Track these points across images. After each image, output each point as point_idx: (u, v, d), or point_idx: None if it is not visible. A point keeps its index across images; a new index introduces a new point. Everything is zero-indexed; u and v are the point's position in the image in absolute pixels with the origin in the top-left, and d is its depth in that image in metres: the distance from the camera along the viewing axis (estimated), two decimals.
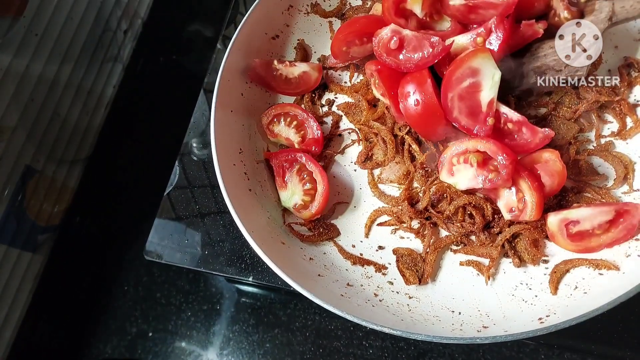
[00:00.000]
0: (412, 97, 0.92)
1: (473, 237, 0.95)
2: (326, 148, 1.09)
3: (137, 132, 1.55)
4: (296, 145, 1.08)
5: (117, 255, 1.39)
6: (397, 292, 0.93)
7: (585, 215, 0.86)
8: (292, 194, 1.03)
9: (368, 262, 0.97)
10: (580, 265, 0.87)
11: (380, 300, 0.91)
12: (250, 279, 1.06)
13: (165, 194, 1.19)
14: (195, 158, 1.22)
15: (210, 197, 1.17)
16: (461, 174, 0.91)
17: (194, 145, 1.23)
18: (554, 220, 0.88)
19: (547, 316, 0.81)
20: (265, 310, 1.23)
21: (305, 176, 1.02)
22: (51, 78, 1.32)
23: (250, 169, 1.06)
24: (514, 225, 0.91)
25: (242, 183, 1.02)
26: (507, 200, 0.91)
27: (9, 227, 1.23)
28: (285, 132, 1.09)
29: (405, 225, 0.98)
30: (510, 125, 0.91)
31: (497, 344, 1.06)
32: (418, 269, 0.94)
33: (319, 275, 0.94)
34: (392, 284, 0.94)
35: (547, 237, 0.91)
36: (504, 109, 0.91)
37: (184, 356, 1.24)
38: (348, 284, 0.94)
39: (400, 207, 0.99)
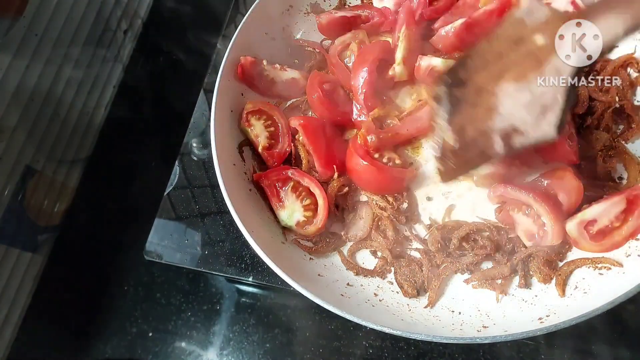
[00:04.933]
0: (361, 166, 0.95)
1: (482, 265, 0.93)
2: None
3: (137, 132, 1.54)
4: (259, 149, 1.05)
5: (117, 255, 1.39)
6: (397, 292, 0.93)
7: (599, 211, 0.84)
8: (292, 211, 1.00)
9: (372, 273, 0.96)
10: (583, 265, 0.86)
11: (380, 300, 0.91)
12: (250, 279, 1.06)
13: (165, 194, 1.19)
14: (195, 158, 1.22)
15: (210, 197, 1.17)
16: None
17: (194, 145, 1.23)
18: (572, 226, 0.86)
19: (547, 316, 0.81)
20: (265, 310, 1.23)
21: (302, 192, 1.00)
22: (51, 78, 1.32)
23: (251, 169, 1.06)
24: (530, 247, 0.89)
25: (242, 183, 1.02)
26: (526, 227, 0.89)
27: (9, 227, 1.23)
28: (258, 130, 1.06)
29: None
30: None
31: (497, 344, 1.06)
32: (417, 280, 0.92)
33: (319, 275, 0.94)
34: (392, 283, 0.94)
35: (560, 260, 0.89)
36: None
37: (184, 356, 1.24)
38: (348, 284, 0.94)
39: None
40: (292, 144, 1.05)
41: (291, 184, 1.01)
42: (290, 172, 1.01)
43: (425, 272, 0.92)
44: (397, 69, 1.03)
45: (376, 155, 0.98)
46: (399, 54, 1.03)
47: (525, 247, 0.90)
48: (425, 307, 0.89)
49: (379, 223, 0.98)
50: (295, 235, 1.00)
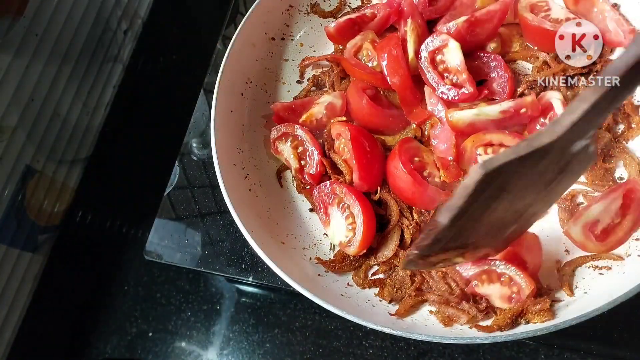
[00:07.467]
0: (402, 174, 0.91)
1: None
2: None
3: (137, 132, 1.54)
4: (293, 172, 1.04)
5: (117, 255, 1.39)
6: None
7: (600, 210, 0.84)
8: (335, 230, 0.95)
9: (375, 284, 0.94)
10: (583, 263, 0.86)
11: (380, 300, 0.91)
12: (250, 279, 1.06)
13: (165, 194, 1.19)
14: (195, 158, 1.22)
15: (210, 197, 1.17)
16: None
17: (194, 145, 1.23)
18: (576, 230, 0.84)
19: None
20: (265, 310, 1.23)
21: (346, 209, 0.93)
22: (51, 78, 1.32)
23: (251, 169, 1.06)
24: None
25: (242, 183, 1.02)
26: (499, 293, 0.84)
27: (9, 227, 1.23)
28: (287, 154, 1.04)
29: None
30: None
31: (497, 344, 1.06)
32: (400, 291, 0.90)
33: (318, 275, 0.94)
34: None
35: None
36: (558, 107, 0.91)
37: (184, 356, 1.24)
38: (348, 284, 0.94)
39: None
40: (324, 158, 1.00)
41: (337, 199, 0.95)
42: (337, 189, 0.94)
43: (411, 289, 0.89)
44: (412, 63, 1.02)
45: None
46: (410, 48, 1.01)
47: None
48: (392, 315, 0.87)
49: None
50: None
